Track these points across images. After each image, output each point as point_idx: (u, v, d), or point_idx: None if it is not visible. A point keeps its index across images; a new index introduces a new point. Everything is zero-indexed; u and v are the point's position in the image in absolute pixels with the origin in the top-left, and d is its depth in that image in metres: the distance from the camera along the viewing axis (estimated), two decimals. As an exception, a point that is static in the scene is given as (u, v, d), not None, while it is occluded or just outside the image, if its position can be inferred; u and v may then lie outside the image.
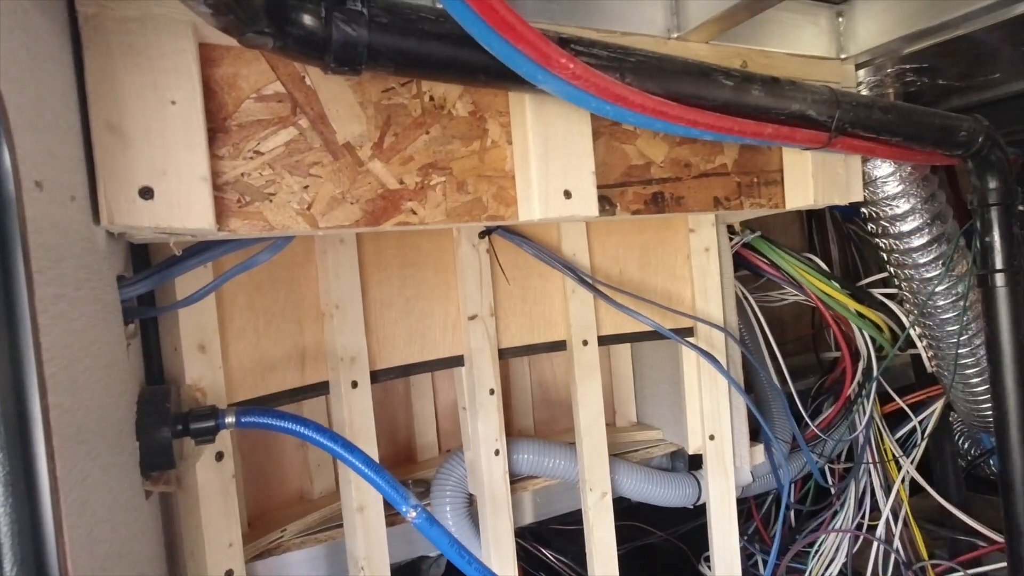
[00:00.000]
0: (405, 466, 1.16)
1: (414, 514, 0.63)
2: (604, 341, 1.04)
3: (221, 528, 0.65)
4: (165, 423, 0.54)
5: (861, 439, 1.36)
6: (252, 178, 0.54)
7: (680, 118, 0.61)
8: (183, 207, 0.47)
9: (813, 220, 1.70)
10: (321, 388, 0.81)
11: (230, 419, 0.58)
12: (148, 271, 0.56)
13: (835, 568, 1.35)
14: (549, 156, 0.63)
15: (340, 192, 0.58)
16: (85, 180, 0.44)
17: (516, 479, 1.02)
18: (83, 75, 0.45)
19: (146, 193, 0.46)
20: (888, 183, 1.02)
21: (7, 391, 0.29)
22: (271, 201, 0.55)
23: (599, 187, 0.68)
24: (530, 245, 0.97)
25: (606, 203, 0.71)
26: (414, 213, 0.61)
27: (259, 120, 0.54)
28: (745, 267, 1.25)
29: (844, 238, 1.69)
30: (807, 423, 1.29)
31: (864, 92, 0.96)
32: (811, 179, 0.81)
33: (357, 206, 0.58)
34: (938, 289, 1.10)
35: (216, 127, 0.52)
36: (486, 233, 0.94)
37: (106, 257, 0.48)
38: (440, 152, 0.62)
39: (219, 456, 0.65)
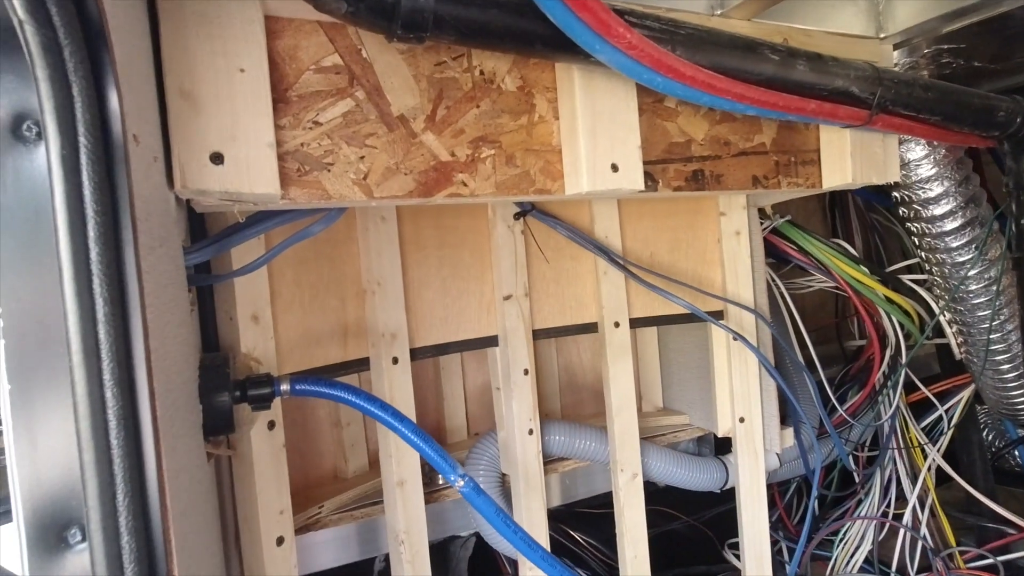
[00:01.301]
0: (435, 448, 1.17)
1: (462, 483, 0.64)
2: (634, 324, 1.05)
3: (273, 495, 0.66)
4: (225, 388, 0.55)
5: (887, 427, 1.36)
6: (311, 148, 0.55)
7: (727, 91, 0.62)
8: (251, 173, 0.48)
9: (836, 209, 1.69)
10: (362, 364, 0.82)
11: (285, 386, 0.60)
12: (208, 240, 0.57)
13: (860, 556, 1.35)
14: (597, 130, 0.64)
15: (394, 163, 0.59)
16: (162, 146, 0.45)
17: (546, 460, 1.03)
18: (158, 43, 0.46)
19: (217, 158, 0.47)
20: (922, 166, 1.02)
21: (117, 329, 0.30)
22: (329, 171, 0.56)
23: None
24: (564, 227, 0.98)
25: (648, 179, 0.71)
26: (465, 185, 0.62)
27: (318, 91, 0.55)
28: (771, 254, 1.25)
29: (867, 227, 1.68)
30: (835, 408, 1.29)
31: (899, 74, 0.96)
32: (849, 158, 0.81)
33: (410, 177, 0.59)
34: (970, 273, 1.10)
35: (277, 98, 0.53)
36: (521, 215, 0.95)
37: (176, 222, 0.50)
38: (490, 126, 0.63)
39: (271, 425, 0.66)
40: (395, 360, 0.82)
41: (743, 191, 0.78)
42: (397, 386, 0.82)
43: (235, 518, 0.68)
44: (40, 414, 0.30)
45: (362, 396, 0.62)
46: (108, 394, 0.30)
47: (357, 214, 0.81)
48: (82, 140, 0.28)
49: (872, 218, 1.66)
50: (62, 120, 0.28)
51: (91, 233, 0.29)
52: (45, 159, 0.29)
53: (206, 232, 0.64)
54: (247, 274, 0.60)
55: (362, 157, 0.57)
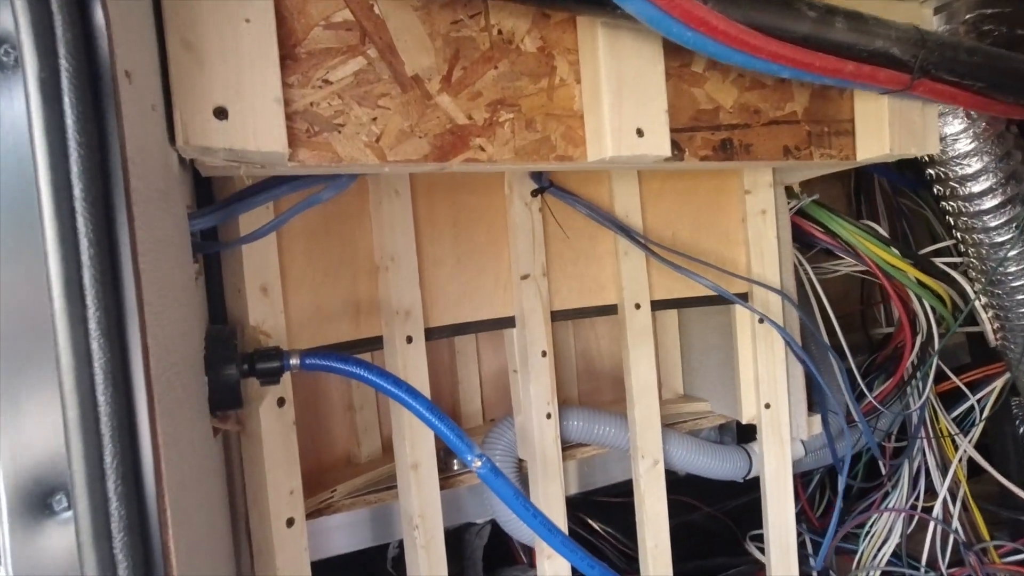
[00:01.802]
0: (449, 434, 1.15)
1: (479, 463, 0.61)
2: (656, 306, 1.01)
3: (283, 475, 0.64)
4: (232, 361, 0.53)
5: (915, 417, 1.31)
6: (321, 108, 0.52)
7: (761, 49, 0.58)
8: (257, 129, 0.46)
9: (862, 194, 1.64)
10: (375, 343, 0.79)
11: (294, 360, 0.57)
12: (214, 205, 0.55)
13: (888, 549, 1.30)
14: (622, 92, 0.60)
15: (408, 125, 0.56)
16: (162, 98, 0.43)
17: (564, 446, 1.00)
18: (158, -8, 0.43)
19: (221, 113, 0.45)
20: (960, 140, 0.97)
21: (104, 272, 0.27)
22: (340, 132, 0.53)
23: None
24: (583, 204, 0.94)
25: (674, 148, 0.68)
26: (482, 150, 0.59)
27: (328, 48, 0.52)
28: (796, 238, 1.21)
29: (894, 212, 1.63)
30: (864, 395, 1.25)
31: (938, 42, 0.91)
32: (887, 127, 0.77)
33: (425, 140, 0.56)
34: (1010, 254, 1.05)
35: (285, 54, 0.50)
36: (539, 191, 0.92)
37: (179, 182, 0.47)
38: (508, 88, 0.60)
39: (281, 402, 0.64)
40: (409, 339, 0.79)
41: (773, 162, 0.74)
42: (411, 366, 0.79)
43: (245, 498, 0.66)
44: (21, 368, 0.27)
45: (375, 371, 0.59)
46: (94, 345, 0.27)
47: (370, 188, 0.78)
48: (63, 63, 0.26)
49: (899, 202, 1.60)
50: (40, 38, 0.25)
51: (74, 167, 0.26)
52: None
53: (213, 201, 0.61)
54: (255, 240, 0.57)
55: (374, 119, 0.55)
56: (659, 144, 0.62)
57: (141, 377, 0.29)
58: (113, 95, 0.28)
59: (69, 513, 0.28)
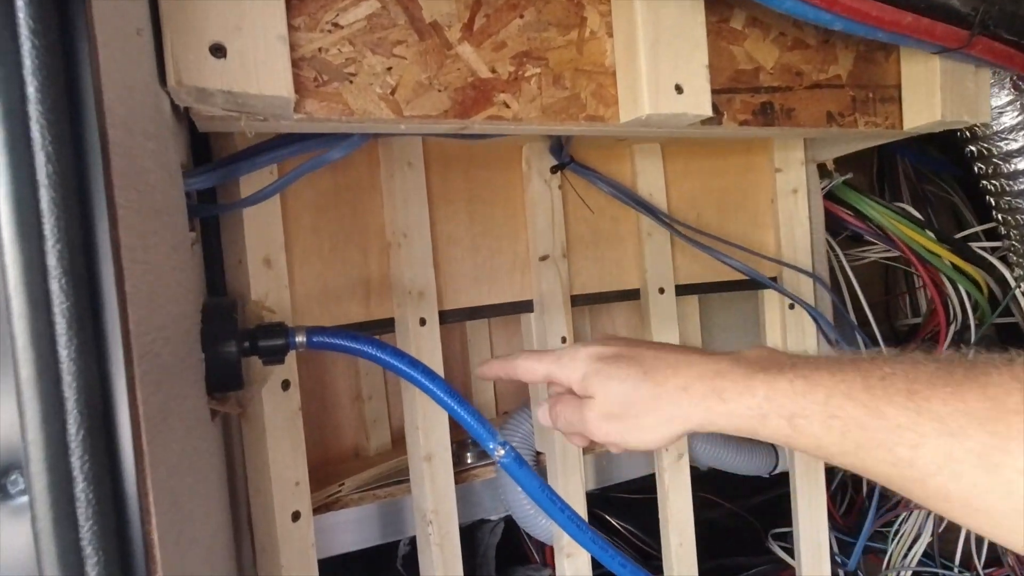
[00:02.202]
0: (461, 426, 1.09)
1: (502, 452, 0.56)
2: (680, 291, 0.96)
3: (288, 464, 0.58)
4: (232, 337, 0.48)
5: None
6: (331, 55, 0.47)
7: (815, -5, 0.52)
8: (259, 70, 0.40)
9: (885, 181, 1.58)
10: (387, 325, 0.74)
11: (300, 338, 0.52)
12: (212, 164, 0.50)
13: (919, 548, 1.24)
14: (660, 44, 0.55)
15: (427, 77, 0.50)
16: (150, 27, 0.38)
17: (584, 439, 0.95)
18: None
19: (218, 51, 0.39)
20: (1006, 113, 0.91)
21: (67, 200, 0.22)
22: (351, 82, 0.48)
23: (705, 92, 0.59)
24: (605, 181, 0.89)
25: (713, 110, 0.62)
26: (507, 107, 0.53)
27: (337, -12, 0.47)
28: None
29: (920, 198, 1.57)
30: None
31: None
32: (939, 92, 0.71)
33: (445, 94, 0.51)
34: (1056, 236, 0.99)
35: (290, -8, 0.45)
36: (559, 167, 0.86)
37: (172, 131, 0.42)
38: (535, 40, 0.55)
39: (286, 385, 0.59)
40: (423, 321, 0.74)
41: (816, 129, 0.69)
42: (425, 350, 0.74)
43: (247, 489, 0.60)
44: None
45: (388, 351, 0.54)
46: (53, 286, 0.22)
47: (381, 159, 0.73)
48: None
49: (924, 188, 1.55)
50: None
51: (27, 61, 0.21)
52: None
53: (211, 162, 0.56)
54: (258, 203, 0.52)
55: (389, 68, 0.49)
56: (699, 102, 0.56)
57: (117, 332, 0.24)
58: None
59: (26, 497, 0.22)
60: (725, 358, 0.44)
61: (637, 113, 0.55)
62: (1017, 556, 1.15)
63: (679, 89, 0.55)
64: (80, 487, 0.22)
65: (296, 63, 0.45)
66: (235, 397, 0.49)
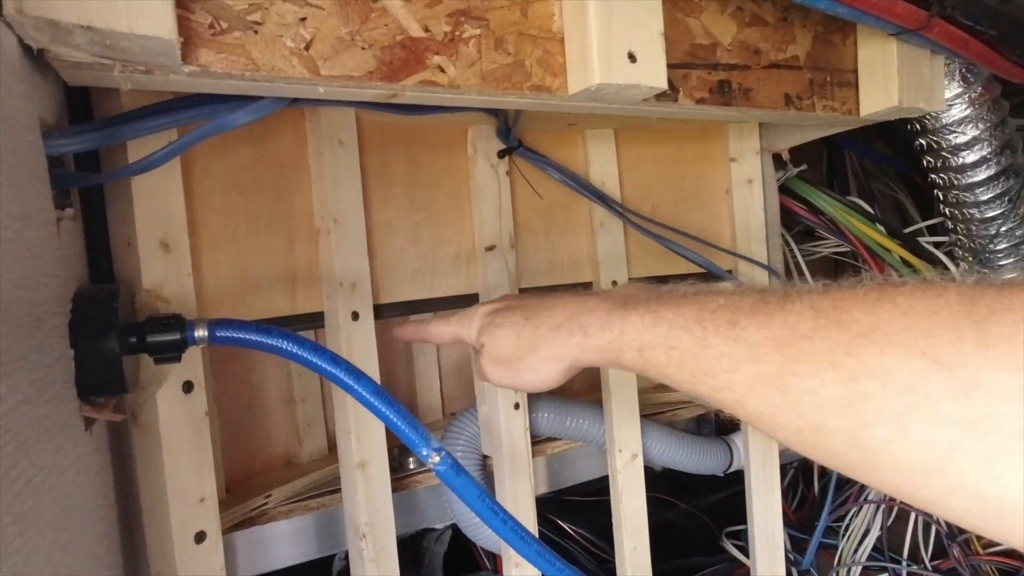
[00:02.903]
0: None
1: (437, 459, 0.50)
2: (634, 284, 0.92)
3: (190, 478, 0.51)
4: (111, 330, 0.40)
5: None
6: (230, -2, 0.40)
7: (777, -42, 0.48)
8: (129, 2, 0.33)
9: (835, 177, 1.59)
10: (315, 319, 0.67)
11: (201, 332, 0.45)
12: (89, 124, 0.42)
13: (869, 543, 1.24)
14: (612, 6, 0.50)
15: (348, 32, 0.44)
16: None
17: (532, 442, 0.89)
18: None
19: (75, -25, 0.32)
20: (955, 105, 0.91)
21: None
22: (256, 32, 0.41)
23: (659, 66, 0.55)
24: (556, 168, 0.84)
25: (668, 86, 0.58)
26: (442, 71, 0.47)
27: (239, -79, 0.40)
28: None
29: (868, 196, 1.59)
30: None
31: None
32: (896, 76, 0.69)
33: (370, 53, 0.45)
34: (1001, 230, 1.00)
35: (179, -80, 0.38)
36: (507, 152, 0.81)
37: (22, 79, 0.34)
38: (474, -3, 0.49)
39: (188, 386, 0.51)
40: (355, 315, 0.67)
41: (774, 111, 0.66)
42: (358, 346, 0.67)
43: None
44: None
45: (307, 346, 0.47)
46: None
47: (308, 134, 0.66)
48: None
49: (871, 185, 1.57)
50: None
51: None
52: None
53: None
54: (146, 170, 0.44)
55: (303, 19, 0.43)
56: (654, 73, 0.52)
57: None
58: None
59: None
60: (594, 297, 0.47)
61: (587, 83, 0.50)
62: (961, 547, 1.16)
63: (632, 57, 0.51)
64: None
65: (186, 4, 0.38)
66: (117, 402, 0.42)
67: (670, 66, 0.58)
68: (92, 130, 0.41)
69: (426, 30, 0.47)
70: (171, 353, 0.44)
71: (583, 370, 1.18)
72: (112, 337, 0.40)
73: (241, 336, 0.46)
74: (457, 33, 0.48)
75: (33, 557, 0.28)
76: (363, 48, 0.45)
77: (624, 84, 0.51)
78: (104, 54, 0.36)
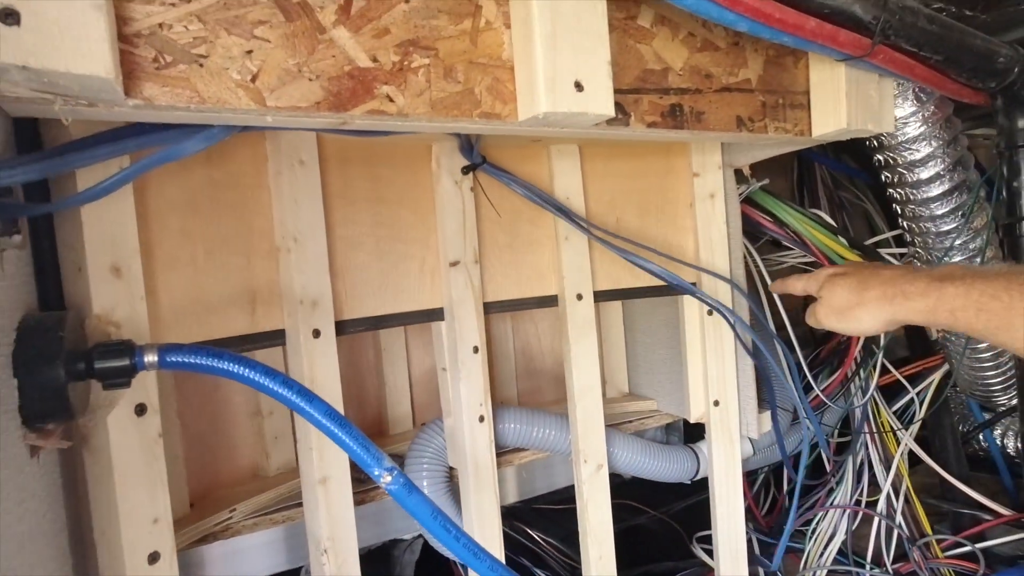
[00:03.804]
0: (375, 440, 1.02)
1: (389, 478, 0.51)
2: (599, 297, 0.93)
3: (143, 500, 0.51)
4: (56, 358, 0.41)
5: (859, 412, 1.29)
6: (175, 32, 0.41)
7: (717, -7, 0.50)
8: (66, 42, 0.34)
9: (804, 187, 1.62)
10: (276, 337, 0.68)
11: (151, 357, 0.45)
12: (36, 154, 0.42)
13: (834, 547, 1.27)
14: (558, 35, 0.51)
15: (295, 64, 0.45)
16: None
17: (500, 452, 0.91)
18: None
19: (8, 16, 0.33)
20: (909, 124, 0.93)
21: None
22: (202, 65, 0.42)
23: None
24: (520, 184, 0.85)
25: (619, 111, 0.59)
26: (391, 100, 0.48)
27: (184, -44, 0.41)
28: (743, 228, 1.16)
29: (836, 205, 1.62)
30: (811, 389, 1.21)
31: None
32: (844, 99, 0.71)
33: (317, 84, 0.46)
34: (956, 243, 1.02)
35: (122, -44, 0.39)
36: (471, 168, 0.82)
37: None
38: (423, 27, 0.50)
39: (140, 410, 0.51)
40: (316, 333, 0.68)
41: (726, 133, 0.67)
42: (319, 364, 0.68)
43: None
44: None
45: (258, 369, 0.48)
46: None
47: (268, 155, 0.66)
48: None
49: (839, 195, 1.60)
50: None
51: None
52: None
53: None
54: (94, 199, 0.45)
55: (249, 52, 0.43)
56: (601, 101, 0.53)
57: None
58: None
59: None
60: (913, 271, 0.64)
61: (534, 111, 0.52)
62: (921, 551, 1.19)
63: (579, 86, 0.52)
64: None
65: (128, 39, 0.39)
66: (65, 428, 0.42)
67: (621, 91, 0.60)
68: (39, 160, 0.41)
69: (374, 60, 0.48)
70: (120, 379, 0.45)
71: (553, 379, 1.18)
72: (57, 365, 0.41)
73: (192, 360, 0.47)
74: (406, 63, 0.49)
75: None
76: (310, 79, 0.45)
77: (571, 112, 0.52)
78: (44, 89, 0.36)
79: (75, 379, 0.43)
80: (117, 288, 0.50)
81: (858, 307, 0.65)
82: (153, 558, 0.52)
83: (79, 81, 0.35)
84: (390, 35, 0.48)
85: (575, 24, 0.52)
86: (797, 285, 0.80)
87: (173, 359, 0.46)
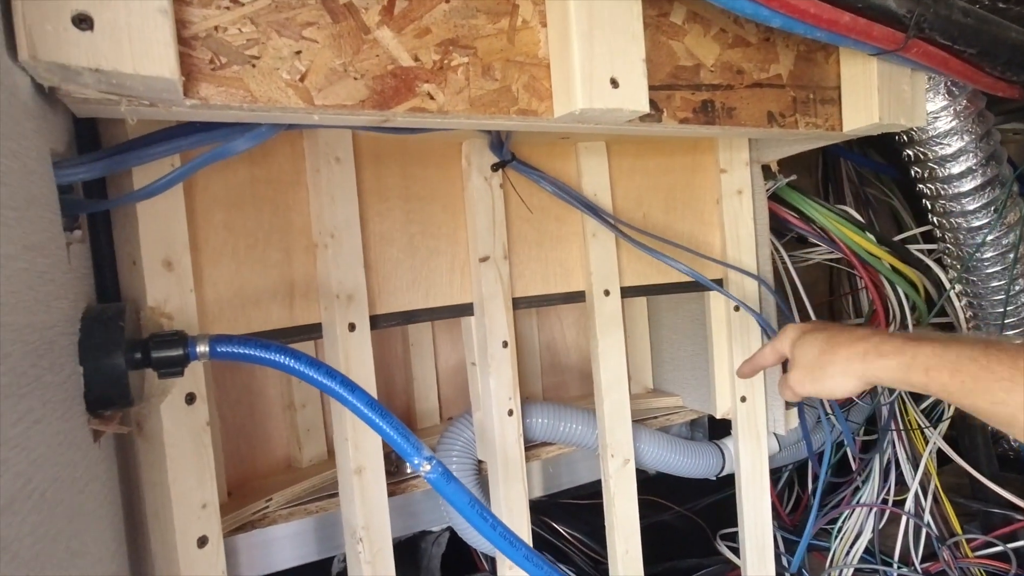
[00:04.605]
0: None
1: (428, 467, 0.52)
2: (626, 293, 0.94)
3: (192, 485, 0.53)
4: (118, 347, 0.43)
5: (886, 410, 1.27)
6: (229, 34, 0.42)
7: (753, -12, 0.51)
8: (134, 45, 0.36)
9: (829, 183, 1.61)
10: (313, 330, 0.69)
11: (202, 347, 0.47)
12: (96, 153, 0.44)
13: (860, 546, 1.26)
14: (594, 35, 0.52)
15: (341, 63, 0.46)
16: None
17: (527, 446, 0.92)
18: None
19: (83, 21, 0.34)
20: (940, 118, 0.92)
21: None
22: (254, 66, 0.43)
23: (644, 87, 0.57)
24: (548, 181, 0.86)
25: (652, 107, 0.60)
26: (431, 98, 0.50)
27: (237, -39, 0.42)
28: (769, 224, 1.16)
29: (861, 200, 1.60)
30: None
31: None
32: (876, 93, 0.71)
33: (362, 83, 0.47)
34: (987, 239, 1.01)
35: (180, -37, 0.40)
36: (500, 165, 0.83)
37: (33, 115, 0.37)
38: (462, 27, 0.51)
39: (190, 398, 0.53)
40: (352, 326, 0.70)
41: (757, 129, 0.68)
42: (354, 357, 0.70)
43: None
44: None
45: (304, 360, 0.49)
46: None
47: (306, 152, 0.68)
48: None
49: (865, 191, 1.58)
50: None
51: None
52: None
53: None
54: (150, 196, 0.47)
55: (298, 52, 0.45)
56: (636, 97, 0.54)
57: None
58: None
59: None
60: (883, 333, 0.64)
61: (571, 107, 0.53)
62: (951, 550, 1.18)
63: (615, 83, 0.53)
64: None
65: (187, 42, 0.41)
66: (122, 415, 0.44)
67: (653, 88, 0.60)
68: (99, 159, 0.43)
69: (416, 59, 0.49)
70: (174, 368, 0.47)
71: (578, 375, 1.19)
72: (119, 354, 0.43)
73: (241, 351, 0.49)
74: (446, 61, 0.50)
75: (49, 564, 0.30)
76: (355, 78, 0.47)
77: (606, 108, 0.53)
78: (111, 91, 0.38)
79: (134, 368, 0.44)
80: (169, 281, 0.52)
81: (830, 365, 0.62)
82: (202, 542, 0.54)
83: (145, 82, 0.37)
84: (431, 34, 0.50)
85: (610, 22, 0.53)
86: (765, 352, 0.76)
87: (223, 349, 0.48)
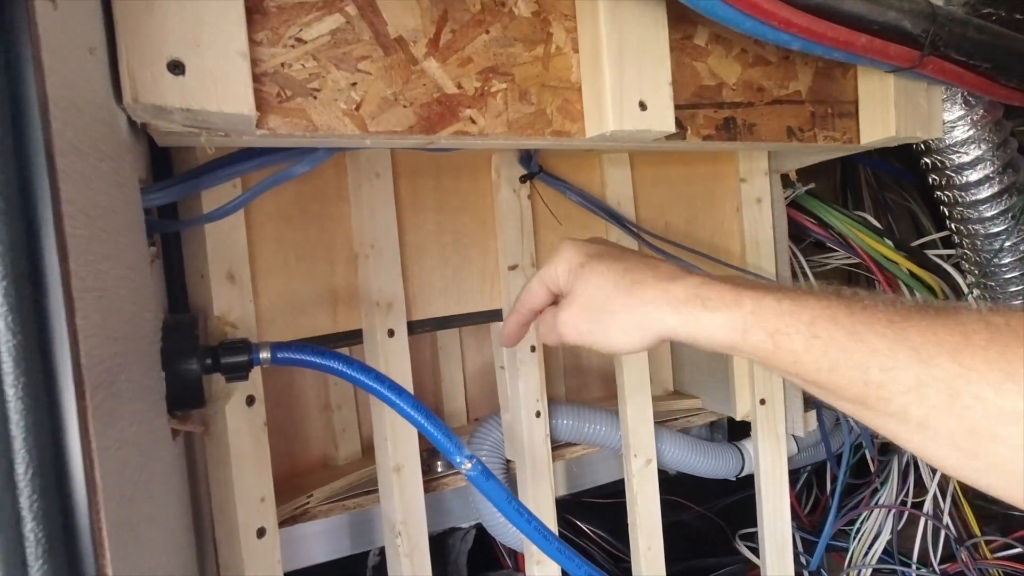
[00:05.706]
0: (432, 434, 1.09)
1: (469, 465, 0.56)
2: (649, 298, 0.97)
3: (252, 481, 0.58)
4: (193, 354, 0.47)
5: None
6: (294, 70, 0.47)
7: (773, 15, 0.54)
8: (219, 87, 0.40)
9: (848, 188, 1.62)
10: (354, 336, 0.74)
11: (265, 354, 0.51)
12: (173, 179, 0.49)
13: (879, 546, 1.28)
14: (624, 61, 0.55)
15: (392, 92, 0.50)
16: (105, 44, 0.37)
17: (553, 446, 0.95)
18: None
19: (176, 67, 0.39)
20: (957, 127, 0.95)
21: (13, 234, 0.22)
22: (315, 98, 0.47)
23: (669, 107, 0.60)
24: (574, 191, 0.90)
25: (677, 125, 0.63)
26: (473, 122, 0.54)
27: (301, 2, 0.47)
28: (788, 229, 1.18)
29: (880, 206, 1.62)
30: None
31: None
32: (893, 108, 0.74)
33: (411, 110, 0.51)
34: (1005, 245, 1.03)
35: (252, 7, 0.45)
36: (528, 177, 0.87)
37: (129, 149, 0.41)
38: (501, 55, 0.55)
39: (250, 400, 0.58)
40: (391, 332, 0.74)
41: (777, 143, 0.71)
42: (394, 361, 0.74)
43: (211, 507, 0.60)
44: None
45: (355, 366, 0.54)
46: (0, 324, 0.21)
47: (348, 169, 0.73)
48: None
49: (885, 196, 1.59)
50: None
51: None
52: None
53: (170, 176, 0.55)
54: (220, 219, 0.51)
55: (354, 84, 0.49)
56: (663, 118, 0.57)
57: (68, 366, 0.23)
58: (28, 14, 0.23)
59: (-28, 538, 0.22)
60: (706, 274, 0.44)
61: (602, 129, 0.56)
62: (969, 552, 1.19)
63: (643, 106, 0.56)
64: (29, 526, 0.22)
65: (258, 78, 0.45)
66: (197, 415, 0.49)
67: (678, 107, 0.64)
68: (175, 184, 0.48)
69: (459, 87, 0.53)
70: (240, 373, 0.51)
71: (599, 377, 1.23)
72: (194, 360, 0.47)
73: (299, 357, 0.53)
74: (486, 88, 0.54)
75: (155, 550, 0.35)
76: (405, 106, 0.51)
77: (635, 130, 0.56)
78: (194, 125, 0.42)
79: (206, 372, 0.49)
80: (232, 292, 0.56)
81: (624, 311, 0.43)
82: (260, 533, 0.58)
83: (225, 118, 0.41)
84: (472, 63, 0.54)
85: (639, 48, 0.56)
86: (533, 288, 0.52)
87: (283, 355, 0.53)
